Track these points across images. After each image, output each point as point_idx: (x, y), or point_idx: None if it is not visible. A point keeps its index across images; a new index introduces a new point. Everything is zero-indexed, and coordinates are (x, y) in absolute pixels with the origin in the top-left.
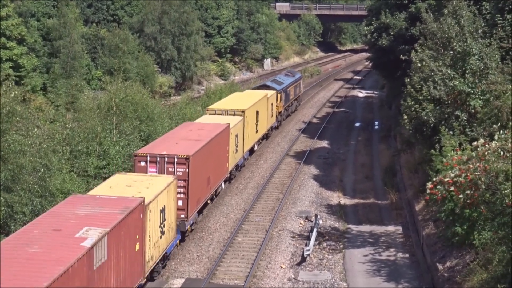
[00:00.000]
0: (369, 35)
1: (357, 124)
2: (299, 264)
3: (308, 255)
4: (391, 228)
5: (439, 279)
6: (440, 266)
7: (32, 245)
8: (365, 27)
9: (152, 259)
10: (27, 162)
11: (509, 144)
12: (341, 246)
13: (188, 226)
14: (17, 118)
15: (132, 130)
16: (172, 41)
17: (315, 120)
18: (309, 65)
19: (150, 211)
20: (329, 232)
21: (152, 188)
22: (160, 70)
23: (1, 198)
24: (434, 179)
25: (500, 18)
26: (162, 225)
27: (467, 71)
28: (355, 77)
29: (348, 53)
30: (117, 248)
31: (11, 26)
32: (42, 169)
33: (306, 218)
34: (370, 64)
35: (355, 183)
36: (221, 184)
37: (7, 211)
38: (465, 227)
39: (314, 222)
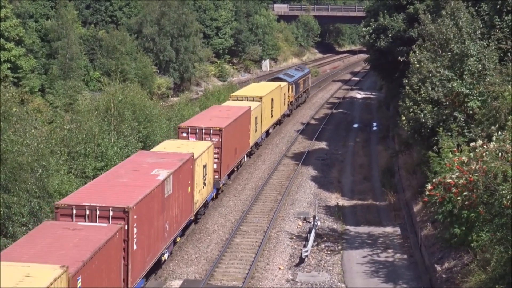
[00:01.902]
0: (367, 36)
1: (355, 125)
2: (297, 265)
3: (306, 256)
4: (389, 229)
5: (437, 280)
6: (438, 267)
7: (122, 178)
8: (363, 29)
9: (197, 202)
10: (25, 162)
11: (507, 145)
12: (339, 247)
13: (221, 184)
14: (14, 119)
15: (131, 131)
16: (171, 42)
17: (313, 121)
18: (307, 66)
19: (197, 164)
20: (327, 233)
21: (196, 149)
22: (158, 71)
23: (1, 198)
24: (434, 181)
25: (498, 20)
26: (204, 178)
27: (465, 73)
28: (353, 78)
29: (346, 54)
30: (177, 186)
31: (9, 27)
32: (40, 170)
33: (304, 219)
34: (368, 65)
35: (353, 184)
36: (244, 157)
37: (5, 212)
38: (463, 228)
39: (312, 223)
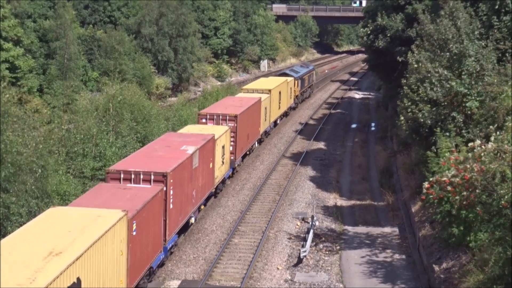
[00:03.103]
0: (365, 36)
1: (354, 126)
2: (295, 265)
3: (305, 256)
4: (387, 229)
5: (435, 280)
6: (436, 267)
7: (157, 152)
8: (361, 29)
9: (217, 177)
10: (24, 162)
11: (505, 145)
12: (338, 247)
13: (236, 165)
14: (14, 119)
15: (129, 131)
16: (169, 42)
17: (311, 122)
18: None
19: (217, 144)
20: (325, 233)
21: (216, 132)
22: (156, 71)
23: (0, 198)
24: (431, 179)
25: (497, 20)
26: (222, 157)
27: (463, 73)
28: (352, 78)
29: (345, 54)
30: (202, 160)
31: (7, 28)
32: (40, 170)
33: (303, 219)
34: (367, 65)
35: (351, 184)
36: (255, 143)
37: (3, 212)
38: (462, 228)
39: (310, 223)
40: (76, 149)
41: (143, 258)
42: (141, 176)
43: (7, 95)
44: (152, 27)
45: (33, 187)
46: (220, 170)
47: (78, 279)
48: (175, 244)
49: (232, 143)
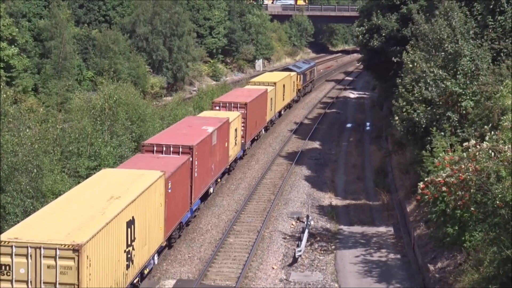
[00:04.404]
0: (360, 36)
1: (349, 125)
2: (290, 265)
3: (300, 256)
4: (382, 229)
5: (430, 279)
6: (431, 267)
7: (182, 130)
8: (356, 28)
9: (231, 156)
10: (19, 162)
11: (500, 145)
12: (333, 247)
13: (246, 147)
14: (9, 119)
15: (124, 131)
16: (164, 41)
17: (306, 121)
18: None
19: (231, 127)
20: (320, 233)
21: (230, 116)
22: (151, 70)
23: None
24: (426, 179)
25: (491, 20)
26: (235, 139)
27: (458, 72)
28: (347, 78)
29: (340, 54)
30: (219, 139)
31: (2, 27)
32: (35, 170)
33: (298, 219)
34: (362, 65)
35: (346, 184)
36: (262, 130)
37: None
38: (456, 228)
39: (305, 223)
40: (71, 148)
41: (175, 214)
42: (171, 149)
43: (4, 96)
44: (146, 26)
45: (27, 187)
46: (234, 150)
47: (133, 218)
48: (198, 208)
49: (242, 128)
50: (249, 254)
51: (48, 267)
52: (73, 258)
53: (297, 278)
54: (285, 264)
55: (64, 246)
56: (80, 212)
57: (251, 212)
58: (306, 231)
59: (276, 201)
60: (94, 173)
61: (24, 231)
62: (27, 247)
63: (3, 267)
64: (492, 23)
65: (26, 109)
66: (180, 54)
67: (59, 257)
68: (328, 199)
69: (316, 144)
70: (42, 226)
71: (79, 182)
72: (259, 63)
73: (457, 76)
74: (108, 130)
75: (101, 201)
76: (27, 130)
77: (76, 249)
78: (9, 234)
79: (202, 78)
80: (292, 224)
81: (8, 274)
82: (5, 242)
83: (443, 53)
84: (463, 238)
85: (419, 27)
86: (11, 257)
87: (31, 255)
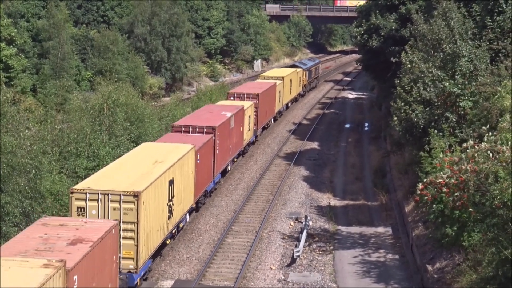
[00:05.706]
0: (359, 36)
1: (347, 126)
2: (289, 265)
3: (298, 256)
4: (381, 229)
5: (428, 280)
6: (429, 267)
7: (204, 115)
8: (355, 29)
9: (245, 140)
10: (18, 162)
11: (499, 146)
12: (331, 247)
13: (258, 133)
14: (8, 120)
15: (123, 131)
16: (162, 42)
17: (305, 122)
18: None
19: (245, 114)
20: (319, 233)
21: (244, 104)
22: (150, 71)
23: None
24: (425, 180)
25: (490, 20)
26: (249, 125)
27: (457, 73)
28: (345, 78)
29: (338, 54)
30: (236, 124)
31: (0, 27)
32: (34, 170)
33: (296, 219)
34: (360, 65)
35: (345, 184)
36: (271, 119)
37: None
38: (455, 228)
39: (304, 223)
40: (69, 148)
41: (202, 182)
42: (197, 129)
43: (4, 97)
44: (144, 26)
45: (26, 187)
46: (247, 135)
47: (173, 178)
48: (219, 181)
49: (255, 116)
50: (248, 255)
51: (114, 209)
52: (133, 202)
53: (296, 279)
54: (284, 264)
55: (127, 192)
56: (133, 172)
57: (250, 213)
58: (305, 231)
59: (275, 201)
60: (93, 173)
61: (93, 183)
62: (98, 193)
63: (79, 209)
64: (491, 23)
65: (24, 110)
66: (178, 54)
67: (123, 201)
68: (326, 199)
69: (314, 145)
70: (106, 180)
71: (77, 183)
72: (257, 63)
73: (456, 76)
74: (106, 130)
75: (148, 164)
76: (26, 131)
77: (136, 195)
78: (82, 185)
79: (200, 79)
80: (290, 225)
81: (83, 214)
82: (80, 189)
83: (441, 54)
84: (461, 239)
85: (417, 28)
86: (85, 202)
87: (101, 200)
